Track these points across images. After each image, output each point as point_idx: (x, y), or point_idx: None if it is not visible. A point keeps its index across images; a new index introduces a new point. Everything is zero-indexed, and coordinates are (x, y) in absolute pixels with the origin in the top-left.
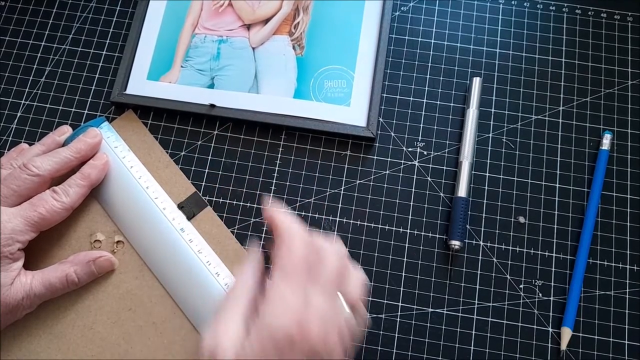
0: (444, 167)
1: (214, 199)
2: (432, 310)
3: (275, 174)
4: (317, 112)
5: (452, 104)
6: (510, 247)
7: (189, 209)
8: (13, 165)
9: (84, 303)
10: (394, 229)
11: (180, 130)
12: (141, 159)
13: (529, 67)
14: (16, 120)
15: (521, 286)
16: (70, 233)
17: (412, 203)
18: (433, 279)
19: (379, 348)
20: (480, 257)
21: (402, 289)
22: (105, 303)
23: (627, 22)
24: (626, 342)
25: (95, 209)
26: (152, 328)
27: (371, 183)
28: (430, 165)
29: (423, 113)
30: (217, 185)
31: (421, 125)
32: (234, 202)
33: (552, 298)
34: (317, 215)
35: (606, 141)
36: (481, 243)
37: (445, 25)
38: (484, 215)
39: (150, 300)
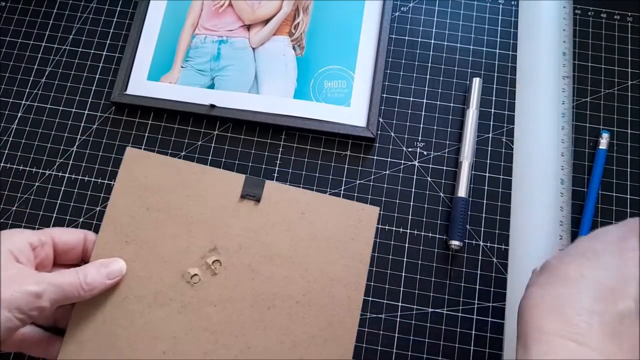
0: (444, 167)
1: None
2: (432, 310)
3: (276, 174)
4: (317, 112)
5: (452, 104)
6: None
7: (251, 191)
8: None
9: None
10: (394, 229)
11: (180, 130)
12: (171, 179)
13: None
14: (17, 121)
15: None
16: (159, 274)
17: (412, 203)
18: (433, 279)
19: (379, 348)
20: (480, 257)
21: (402, 289)
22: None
23: (627, 22)
24: None
25: (170, 244)
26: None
27: (371, 183)
28: (430, 166)
29: (423, 113)
30: None
31: (421, 125)
32: None
33: None
34: None
35: (603, 140)
36: (481, 243)
37: (445, 26)
38: (483, 215)
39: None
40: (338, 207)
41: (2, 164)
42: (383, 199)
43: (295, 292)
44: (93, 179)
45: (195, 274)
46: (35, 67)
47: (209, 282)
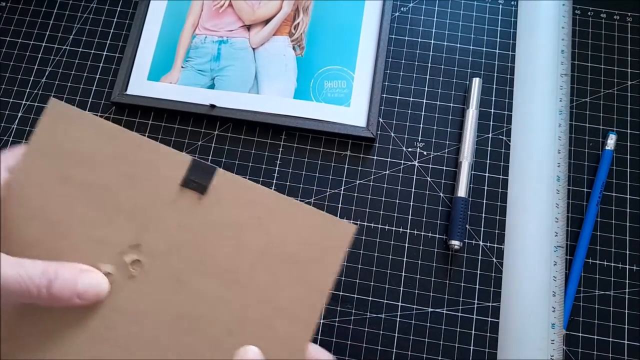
0: (444, 167)
1: None
2: (432, 310)
3: (276, 174)
4: (317, 112)
5: (451, 105)
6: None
7: (197, 179)
8: None
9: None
10: (393, 229)
11: (180, 130)
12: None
13: None
14: (17, 121)
15: None
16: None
17: (411, 203)
18: (433, 279)
19: (379, 348)
20: (479, 257)
21: (402, 288)
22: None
23: (626, 22)
24: (625, 342)
25: (82, 232)
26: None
27: (371, 183)
28: (430, 166)
29: (423, 113)
30: None
31: (421, 125)
32: None
33: None
34: None
35: (611, 142)
36: (481, 243)
37: (444, 26)
38: (483, 215)
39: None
40: (306, 217)
41: None
42: (383, 199)
43: (227, 317)
44: None
45: (108, 273)
46: (36, 67)
47: (123, 286)
